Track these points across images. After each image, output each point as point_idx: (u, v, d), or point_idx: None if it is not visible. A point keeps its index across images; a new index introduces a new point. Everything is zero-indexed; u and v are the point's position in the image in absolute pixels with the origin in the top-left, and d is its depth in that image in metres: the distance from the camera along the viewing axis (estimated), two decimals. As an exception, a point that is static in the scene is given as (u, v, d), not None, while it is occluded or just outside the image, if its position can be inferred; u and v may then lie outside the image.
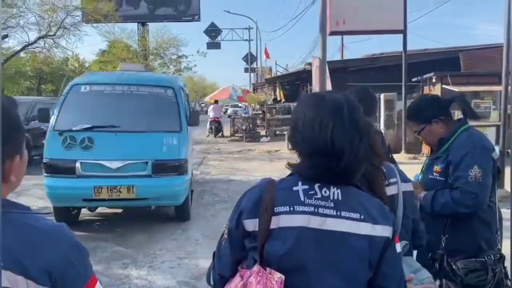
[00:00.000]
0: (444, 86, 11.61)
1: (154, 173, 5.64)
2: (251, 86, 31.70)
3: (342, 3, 12.00)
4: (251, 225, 1.29)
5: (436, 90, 11.49)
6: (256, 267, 1.27)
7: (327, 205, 1.27)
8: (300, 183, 1.30)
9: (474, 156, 2.24)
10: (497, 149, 2.46)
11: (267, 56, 28.19)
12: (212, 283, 1.46)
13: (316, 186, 1.29)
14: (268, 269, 1.25)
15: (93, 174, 5.57)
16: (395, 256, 1.32)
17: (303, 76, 21.55)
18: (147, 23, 27.64)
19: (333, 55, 32.60)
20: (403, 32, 12.67)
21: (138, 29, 27.44)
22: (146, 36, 27.58)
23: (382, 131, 11.74)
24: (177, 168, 5.74)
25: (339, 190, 1.29)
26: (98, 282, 1.12)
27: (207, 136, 20.82)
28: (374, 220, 1.29)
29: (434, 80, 12.25)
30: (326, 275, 1.25)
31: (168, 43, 28.04)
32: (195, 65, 30.13)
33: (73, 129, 5.72)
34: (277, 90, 25.30)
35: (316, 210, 1.27)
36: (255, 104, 26.45)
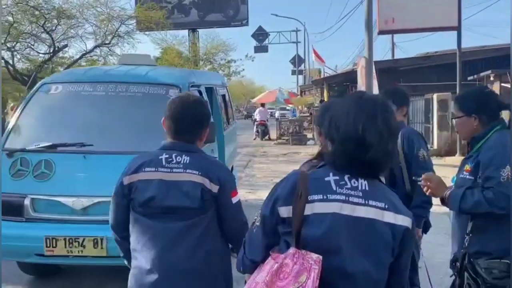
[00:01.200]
0: (503, 84, 10.56)
1: None
2: (298, 88, 31.09)
3: (391, 1, 11.28)
4: (285, 211, 1.40)
5: (495, 89, 10.47)
6: (292, 250, 1.34)
7: (356, 194, 1.38)
8: (331, 174, 1.41)
9: (505, 156, 2.13)
10: None
11: (321, 60, 27.43)
12: (242, 269, 1.54)
13: (346, 177, 1.40)
14: (303, 251, 1.33)
15: (47, 217, 3.64)
16: (411, 246, 1.45)
17: (352, 76, 20.74)
18: (197, 30, 27.84)
19: (384, 54, 31.38)
20: (457, 29, 11.71)
21: (188, 35, 27.67)
22: (196, 42, 27.80)
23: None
24: None
25: (366, 182, 1.40)
26: (238, 194, 2.16)
27: (254, 139, 20.56)
28: (396, 210, 1.40)
29: (492, 78, 11.23)
30: (358, 257, 1.34)
31: (217, 48, 28.18)
32: (243, 69, 29.91)
33: (27, 148, 3.90)
34: (325, 91, 24.57)
35: (347, 198, 1.37)
36: (302, 106, 25.85)
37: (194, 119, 2.18)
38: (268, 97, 22.53)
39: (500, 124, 2.31)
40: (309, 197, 1.37)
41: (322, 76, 28.96)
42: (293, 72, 32.38)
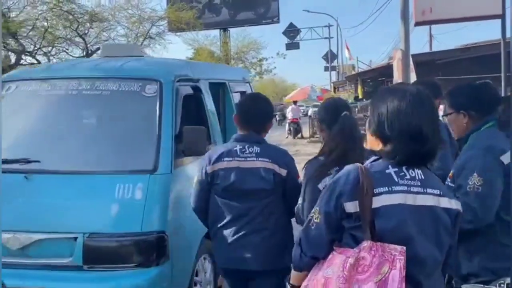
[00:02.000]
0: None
1: (87, 262, 2.65)
2: (331, 85, 29.99)
3: (428, -10, 10.19)
4: (351, 206, 1.42)
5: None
6: (367, 243, 1.36)
7: (415, 184, 1.44)
8: (390, 166, 1.46)
9: (477, 160, 1.93)
10: None
11: (351, 57, 26.33)
12: (299, 266, 1.56)
13: (404, 168, 1.46)
14: (379, 243, 1.35)
15: None
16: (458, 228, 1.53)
17: (387, 71, 19.60)
18: (228, 29, 27.33)
19: (421, 48, 29.72)
20: (502, 17, 10.44)
21: (220, 35, 27.22)
22: (227, 41, 27.33)
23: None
24: (140, 252, 2.69)
25: (420, 171, 1.47)
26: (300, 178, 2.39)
27: (286, 137, 19.85)
28: (448, 195, 1.50)
29: (541, 69, 9.88)
30: (426, 243, 1.41)
31: (248, 47, 27.63)
32: (275, 67, 29.14)
33: None
34: (359, 87, 23.43)
35: (409, 188, 1.43)
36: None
37: (262, 113, 2.59)
38: (300, 94, 21.69)
39: (494, 121, 2.09)
40: (374, 190, 1.40)
41: (356, 72, 27.76)
42: (326, 69, 31.30)
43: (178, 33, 23.23)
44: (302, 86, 26.23)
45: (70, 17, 16.46)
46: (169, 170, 2.87)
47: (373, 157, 1.52)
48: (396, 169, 1.44)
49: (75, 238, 2.61)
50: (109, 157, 2.92)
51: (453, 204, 1.48)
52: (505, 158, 1.93)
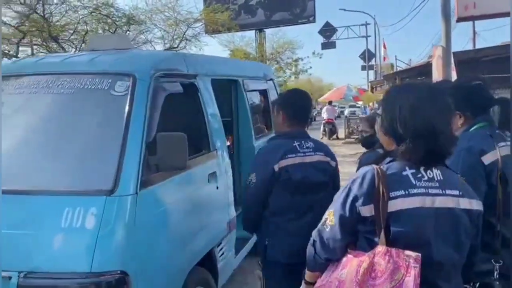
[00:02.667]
0: None
1: None
2: (369, 84, 28.63)
3: (471, -16, 9.19)
4: (367, 210, 1.35)
5: None
6: (381, 248, 1.30)
7: (433, 185, 1.36)
8: (407, 168, 1.38)
9: (459, 162, 1.85)
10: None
11: (384, 57, 24.98)
12: (312, 267, 1.54)
13: (421, 169, 1.38)
14: (395, 249, 1.28)
15: None
16: (480, 228, 1.46)
17: (427, 70, 18.33)
18: (264, 30, 26.77)
19: (464, 46, 27.80)
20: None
21: (255, 36, 26.72)
22: (263, 42, 26.78)
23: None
24: None
25: (439, 171, 1.39)
26: None
27: (321, 138, 18.93)
28: (469, 195, 1.40)
29: None
30: (444, 246, 1.34)
31: (283, 47, 26.96)
32: (311, 67, 28.17)
33: None
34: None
35: (427, 191, 1.35)
36: (373, 103, 23.60)
37: (309, 108, 2.62)
38: (335, 94, 20.67)
39: (485, 122, 2.05)
40: (390, 193, 1.34)
41: (394, 71, 26.32)
42: (363, 68, 29.96)
43: (214, 35, 23.00)
44: (338, 86, 25.14)
45: (109, 20, 16.63)
46: (133, 190, 2.14)
47: (389, 158, 1.44)
48: (413, 171, 1.38)
49: (10, 278, 1.94)
50: (59, 173, 2.22)
51: (474, 204, 1.42)
52: (485, 159, 1.93)
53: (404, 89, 1.46)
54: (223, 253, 3.22)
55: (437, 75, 8.90)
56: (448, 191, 1.37)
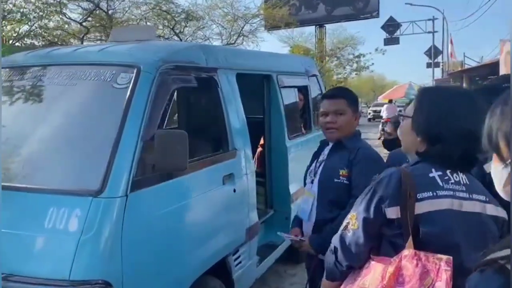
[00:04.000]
0: None
1: None
2: (433, 82, 27.02)
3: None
4: (393, 212, 1.29)
5: None
6: (409, 251, 1.24)
7: (460, 189, 1.32)
8: (433, 169, 1.34)
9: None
10: None
11: (451, 53, 23.39)
12: (333, 277, 1.44)
13: (448, 172, 1.34)
14: (423, 252, 1.23)
15: None
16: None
17: (498, 68, 16.85)
18: (325, 25, 26.19)
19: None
20: None
21: (315, 31, 26.25)
22: (323, 38, 26.22)
23: None
24: None
25: (464, 176, 1.36)
26: None
27: (379, 138, 18.11)
28: (495, 202, 1.34)
29: None
30: (473, 252, 1.18)
31: (344, 42, 26.21)
32: (373, 63, 27.08)
33: None
34: (464, 86, 20.65)
35: (454, 193, 1.30)
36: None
37: None
38: (396, 92, 19.68)
39: None
40: (418, 195, 1.29)
41: (462, 69, 24.63)
42: (428, 65, 28.26)
43: (273, 31, 22.88)
44: (401, 84, 23.96)
45: (168, 16, 17.06)
46: (122, 192, 1.92)
47: (414, 160, 1.42)
48: (440, 173, 1.34)
49: None
50: (47, 170, 2.08)
51: (500, 212, 1.35)
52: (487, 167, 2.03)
53: (441, 91, 1.48)
54: (240, 262, 2.98)
55: (504, 71, 8.04)
56: (475, 196, 1.33)
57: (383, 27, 27.00)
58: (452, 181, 1.33)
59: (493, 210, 1.34)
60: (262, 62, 3.92)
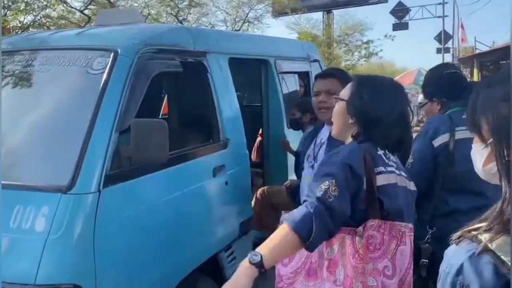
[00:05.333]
0: None
1: None
2: (444, 68, 26.49)
3: None
4: (364, 182, 1.38)
5: None
6: (373, 222, 1.34)
7: (395, 166, 1.50)
8: (378, 148, 1.48)
9: (414, 142, 2.04)
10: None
11: (462, 38, 22.82)
12: (315, 242, 1.32)
13: (386, 152, 1.51)
14: (389, 221, 1.37)
15: None
16: None
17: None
18: (332, 11, 25.77)
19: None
20: None
21: (323, 17, 25.88)
22: (330, 24, 25.82)
23: None
24: None
25: (395, 156, 1.54)
26: None
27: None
28: (410, 179, 1.57)
29: None
30: (409, 220, 1.45)
31: (352, 28, 25.77)
32: (381, 50, 26.59)
33: None
34: (475, 71, 20.20)
35: (394, 170, 1.47)
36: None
37: None
38: (404, 79, 19.21)
39: (459, 107, 2.14)
40: (375, 169, 1.40)
41: (473, 54, 24.08)
42: (438, 51, 27.66)
43: (280, 17, 22.60)
44: (411, 70, 23.51)
45: (171, 3, 16.92)
46: (95, 187, 1.76)
47: (356, 140, 1.51)
48: (383, 151, 1.48)
49: None
50: (15, 163, 1.92)
51: (413, 186, 1.56)
52: (436, 142, 2.12)
53: (378, 80, 1.59)
54: (234, 258, 2.82)
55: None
56: (402, 173, 1.52)
57: (391, 12, 26.43)
58: (390, 159, 1.49)
59: (411, 185, 1.55)
60: (258, 46, 3.69)
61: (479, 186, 1.95)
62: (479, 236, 0.77)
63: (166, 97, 3.15)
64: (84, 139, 1.83)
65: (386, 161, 1.46)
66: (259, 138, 4.31)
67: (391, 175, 1.44)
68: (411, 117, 1.57)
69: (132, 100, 2.02)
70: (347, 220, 1.36)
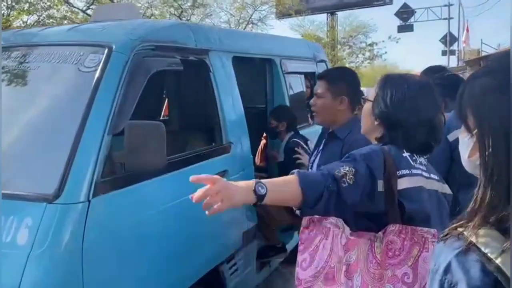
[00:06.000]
0: None
1: None
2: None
3: None
4: (380, 185, 1.31)
5: None
6: (394, 227, 1.29)
7: (424, 169, 1.41)
8: (404, 150, 1.41)
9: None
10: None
11: (466, 41, 22.61)
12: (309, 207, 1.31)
13: (414, 154, 1.42)
14: (409, 227, 1.29)
15: None
16: None
17: (518, 55, 16.20)
18: (336, 13, 25.63)
19: None
20: None
21: (327, 19, 25.73)
22: (334, 26, 25.69)
23: None
24: None
25: (422, 158, 1.44)
26: None
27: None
28: (443, 181, 1.47)
29: None
30: (439, 227, 1.30)
31: (356, 30, 25.58)
32: (385, 52, 26.40)
33: None
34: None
35: (422, 172, 1.39)
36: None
37: None
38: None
39: None
40: (398, 172, 1.34)
41: (479, 56, 23.84)
42: (443, 53, 27.45)
43: (283, 19, 22.55)
44: (416, 73, 23.35)
45: (175, 4, 16.96)
46: (84, 196, 1.59)
47: (380, 143, 1.46)
48: (409, 154, 1.41)
49: None
50: (4, 171, 1.75)
51: (447, 189, 1.46)
52: (450, 137, 2.20)
53: (403, 80, 1.48)
54: (236, 270, 2.64)
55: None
56: (432, 176, 1.43)
57: (396, 14, 26.24)
58: (418, 161, 1.41)
59: (445, 188, 1.45)
60: (264, 45, 3.51)
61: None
62: (465, 233, 0.76)
63: (166, 97, 2.98)
64: (73, 143, 1.66)
65: (412, 163, 1.39)
66: (263, 141, 4.14)
67: (417, 177, 1.36)
68: (442, 121, 1.44)
69: (127, 100, 1.85)
70: (350, 212, 1.37)
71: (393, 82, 1.48)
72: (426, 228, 1.29)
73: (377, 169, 1.33)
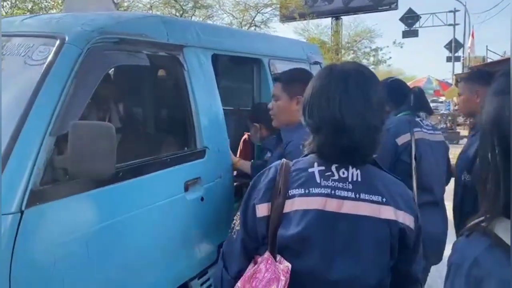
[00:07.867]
0: None
1: None
2: (453, 77, 26.04)
3: None
4: (264, 209, 1.17)
5: None
6: (266, 254, 1.16)
7: (345, 187, 1.14)
8: (316, 164, 1.17)
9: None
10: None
11: (471, 47, 22.44)
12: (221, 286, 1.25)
13: (334, 167, 1.16)
14: (278, 256, 1.15)
15: None
16: (418, 244, 1.20)
17: (524, 62, 16.02)
18: (341, 17, 25.58)
19: None
20: None
21: (331, 23, 25.70)
22: (339, 30, 25.64)
23: None
24: None
25: (358, 171, 1.15)
26: None
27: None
28: (396, 204, 1.14)
29: None
30: (340, 259, 1.11)
31: (360, 35, 25.46)
32: (390, 57, 26.27)
33: None
34: (487, 81, 19.72)
35: (333, 192, 1.13)
36: (457, 98, 21.32)
37: None
38: (412, 86, 18.77)
39: (408, 111, 2.46)
40: (289, 191, 1.15)
41: (484, 63, 23.60)
42: (448, 59, 27.24)
43: (287, 22, 22.50)
44: (419, 78, 23.13)
45: (177, 5, 16.99)
46: (15, 207, 1.38)
47: (307, 151, 1.25)
48: (323, 168, 1.15)
49: None
50: None
51: (400, 216, 1.13)
52: (399, 140, 2.33)
53: (321, 72, 1.24)
54: (209, 286, 2.43)
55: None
56: (363, 196, 1.13)
57: (401, 19, 26.09)
58: (335, 177, 1.14)
59: (389, 213, 1.13)
60: (250, 43, 3.28)
61: (430, 183, 2.36)
62: (489, 228, 0.76)
63: (131, 96, 2.76)
64: (6, 146, 1.45)
65: (319, 180, 1.15)
66: (244, 136, 3.82)
67: (315, 198, 1.13)
68: (365, 119, 1.14)
69: (78, 98, 1.64)
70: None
71: (317, 74, 1.33)
72: (283, 262, 1.12)
73: (259, 192, 1.19)
